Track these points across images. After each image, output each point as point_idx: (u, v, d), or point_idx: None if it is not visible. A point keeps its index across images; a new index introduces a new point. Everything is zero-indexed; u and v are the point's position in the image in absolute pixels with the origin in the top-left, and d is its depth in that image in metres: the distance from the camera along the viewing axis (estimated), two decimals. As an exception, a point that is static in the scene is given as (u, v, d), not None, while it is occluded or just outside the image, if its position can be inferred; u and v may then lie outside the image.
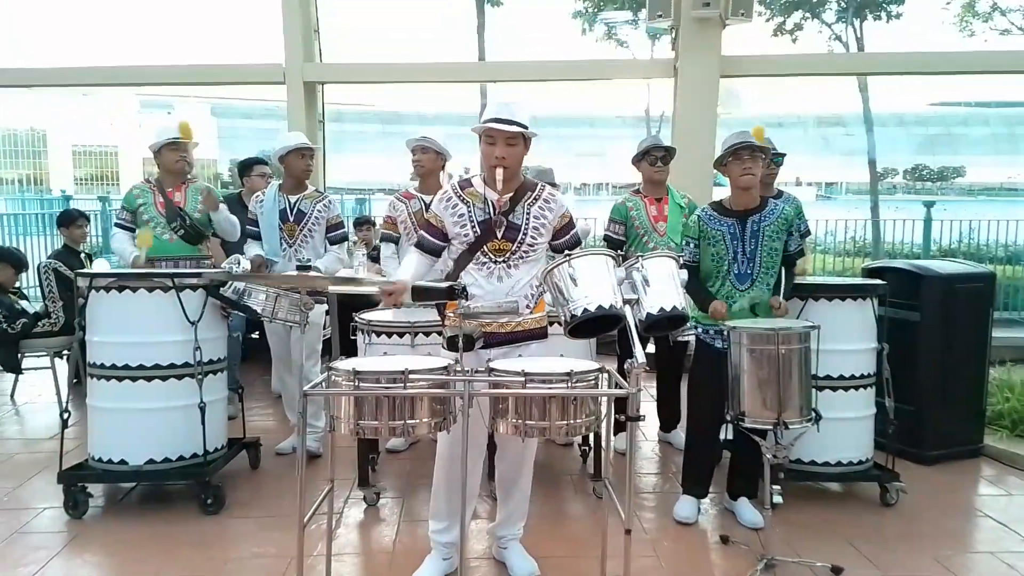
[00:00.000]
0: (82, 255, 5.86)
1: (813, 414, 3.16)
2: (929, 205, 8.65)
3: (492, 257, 2.93)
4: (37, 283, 5.78)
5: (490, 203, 2.94)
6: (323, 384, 2.57)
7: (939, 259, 5.24)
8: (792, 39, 9.52)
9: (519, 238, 2.93)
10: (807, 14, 11.07)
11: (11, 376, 5.74)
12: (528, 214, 2.96)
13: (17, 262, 5.62)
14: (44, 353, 5.53)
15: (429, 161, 4.28)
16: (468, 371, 2.57)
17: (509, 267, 2.93)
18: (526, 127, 2.87)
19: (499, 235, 2.92)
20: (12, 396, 5.82)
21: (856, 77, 10.17)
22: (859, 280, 4.28)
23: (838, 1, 11.14)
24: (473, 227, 2.93)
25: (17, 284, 5.69)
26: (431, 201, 4.23)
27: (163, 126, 4.45)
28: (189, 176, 4.49)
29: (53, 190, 21.36)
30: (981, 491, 4.28)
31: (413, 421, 2.49)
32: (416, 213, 4.20)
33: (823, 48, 10.78)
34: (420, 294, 2.58)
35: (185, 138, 4.34)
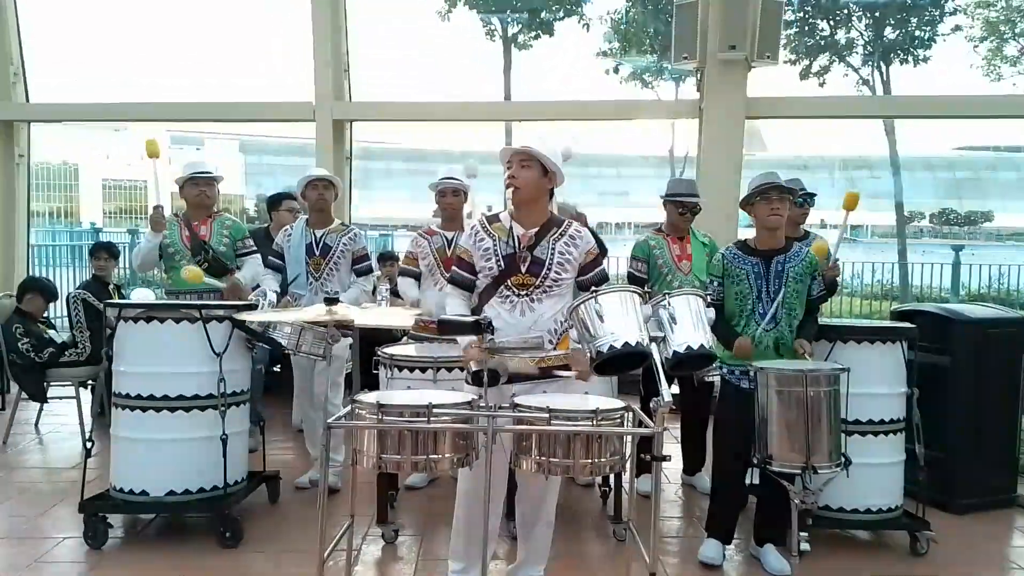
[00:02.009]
0: (110, 287, 5.93)
1: (842, 459, 3.09)
2: (958, 249, 8.57)
3: (515, 291, 2.93)
4: (65, 313, 5.85)
5: (515, 237, 2.95)
6: (346, 417, 2.56)
7: (969, 303, 5.14)
8: (819, 82, 9.55)
9: (543, 272, 2.93)
10: (834, 57, 11.13)
11: (36, 405, 5.78)
12: (553, 249, 2.96)
13: (47, 292, 5.71)
14: (70, 383, 5.57)
15: (460, 203, 4.38)
16: (492, 406, 2.55)
17: (532, 301, 2.93)
18: (540, 153, 2.88)
19: (523, 269, 2.93)
20: (36, 425, 5.86)
21: (883, 120, 10.17)
22: (889, 323, 4.22)
23: (865, 45, 11.20)
24: (498, 261, 2.94)
25: (46, 314, 5.77)
26: (453, 238, 4.31)
27: (188, 161, 4.56)
28: (214, 210, 4.56)
29: (83, 223, 21.79)
30: (1015, 542, 4.14)
31: (436, 456, 2.47)
32: (439, 250, 4.24)
33: (850, 91, 10.80)
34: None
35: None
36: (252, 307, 3.92)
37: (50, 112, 8.82)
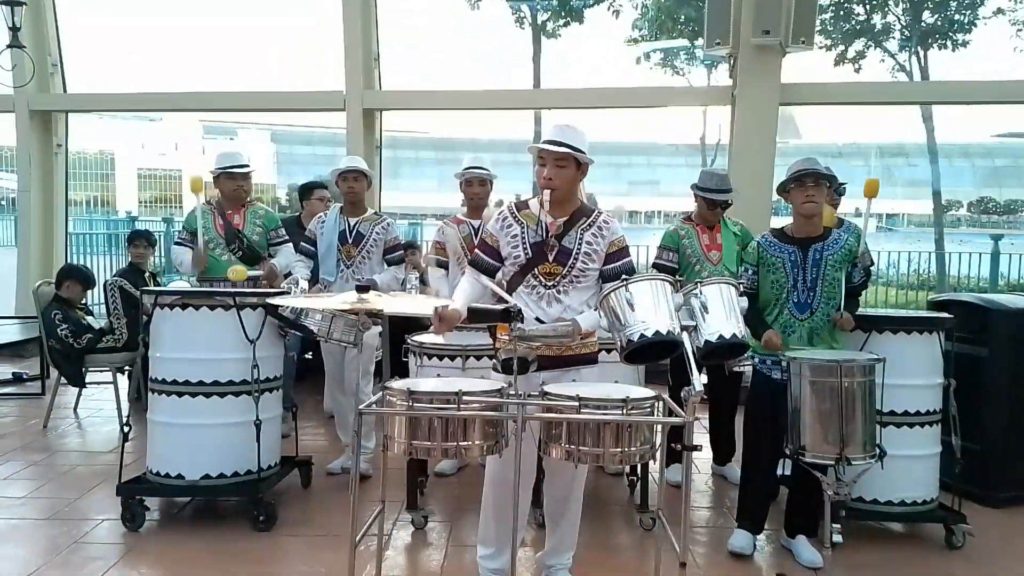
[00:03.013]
0: (146, 274, 6.03)
1: (877, 450, 3.05)
2: (997, 239, 8.37)
3: (543, 281, 2.91)
4: (103, 300, 5.96)
5: (544, 225, 2.93)
6: (377, 404, 2.58)
7: (1012, 294, 5.03)
8: (855, 68, 9.34)
9: (570, 262, 2.91)
10: (870, 42, 10.88)
11: (74, 390, 5.91)
12: (581, 239, 2.94)
13: (85, 279, 5.82)
14: (107, 368, 5.68)
15: (486, 193, 4.37)
16: (522, 394, 2.56)
17: (559, 292, 2.91)
18: (580, 150, 2.86)
19: (550, 258, 2.91)
20: (75, 409, 5.99)
21: (920, 107, 9.95)
22: (925, 313, 4.14)
23: (902, 30, 10.94)
24: (525, 249, 2.93)
25: (84, 300, 5.88)
26: (480, 227, 4.31)
27: (223, 152, 4.60)
28: (248, 199, 4.61)
29: (119, 211, 22.18)
30: (1055, 538, 4.06)
31: (465, 443, 2.48)
32: (466, 239, 4.24)
33: (886, 78, 10.56)
34: (475, 316, 2.58)
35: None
36: (284, 294, 3.96)
37: (87, 102, 8.99)
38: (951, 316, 3.97)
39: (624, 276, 2.79)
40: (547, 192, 2.82)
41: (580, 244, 2.93)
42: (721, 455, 4.75)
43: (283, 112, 11.98)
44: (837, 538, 3.00)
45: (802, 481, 3.43)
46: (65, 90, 8.48)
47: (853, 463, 2.99)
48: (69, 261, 8.51)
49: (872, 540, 3.78)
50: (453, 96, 8.10)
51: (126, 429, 3.92)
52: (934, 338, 3.83)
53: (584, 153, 2.87)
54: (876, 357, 3.13)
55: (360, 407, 2.49)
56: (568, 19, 11.00)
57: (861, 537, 3.70)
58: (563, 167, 2.86)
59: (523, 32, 11.00)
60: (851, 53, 10.71)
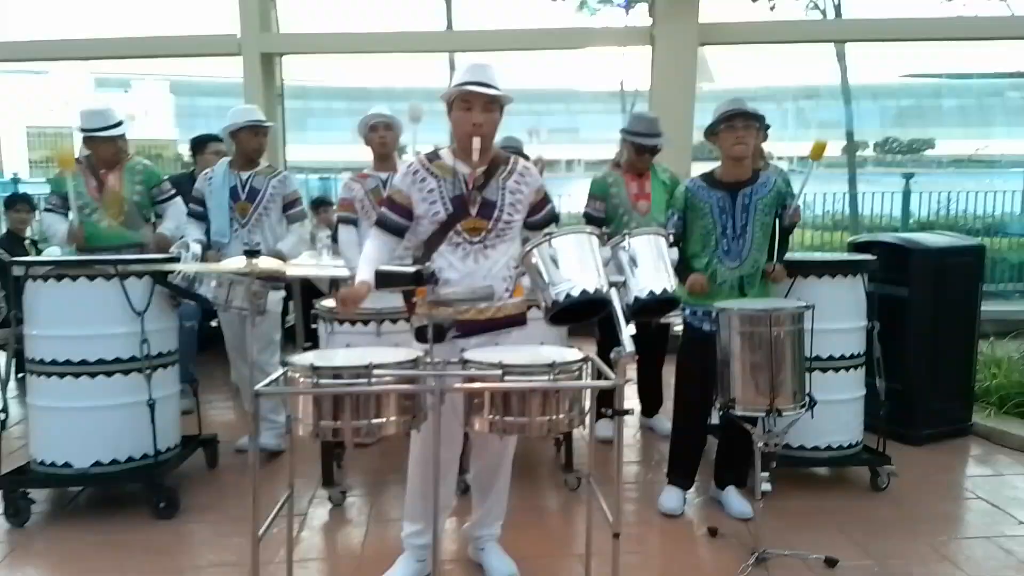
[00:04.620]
0: (26, 242, 5.50)
1: (807, 399, 2.98)
2: (908, 177, 8.54)
3: (467, 237, 2.66)
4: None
5: (461, 177, 2.67)
6: (279, 381, 2.31)
7: (927, 232, 5.07)
8: (770, 7, 9.27)
9: (495, 215, 2.67)
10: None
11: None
12: (504, 188, 2.70)
13: (-45, 249, 5.25)
14: (-15, 346, 5.18)
15: (393, 139, 3.99)
16: (440, 363, 2.33)
17: (485, 247, 2.67)
18: (505, 95, 2.61)
19: (473, 212, 2.66)
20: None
21: (835, 48, 10.00)
22: (850, 256, 4.10)
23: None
24: (444, 204, 2.66)
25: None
26: (388, 179, 3.99)
27: (89, 110, 4.10)
28: (124, 155, 4.15)
29: (6, 173, 20.61)
30: (972, 471, 4.16)
31: (379, 420, 2.24)
32: (373, 191, 3.91)
33: (801, 17, 10.51)
34: (384, 280, 2.32)
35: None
36: (174, 260, 3.59)
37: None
38: (874, 258, 3.93)
39: (548, 227, 2.58)
40: (477, 140, 2.55)
41: (504, 194, 2.69)
42: (648, 407, 4.67)
43: (180, 60, 11.20)
44: (766, 487, 2.95)
45: (730, 432, 3.35)
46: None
47: (784, 414, 2.91)
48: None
49: (800, 486, 3.77)
50: (358, 39, 7.63)
51: (1, 417, 3.52)
52: (858, 281, 3.79)
53: (509, 97, 2.63)
54: (805, 304, 3.03)
55: (257, 387, 2.22)
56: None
57: (789, 484, 3.67)
58: (491, 111, 2.60)
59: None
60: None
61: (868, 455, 3.85)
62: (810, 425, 3.53)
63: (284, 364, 2.32)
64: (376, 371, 2.20)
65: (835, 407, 3.68)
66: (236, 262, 2.51)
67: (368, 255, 2.69)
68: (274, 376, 2.33)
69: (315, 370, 2.20)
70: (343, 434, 2.23)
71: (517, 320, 2.76)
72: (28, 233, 5.67)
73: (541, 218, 2.79)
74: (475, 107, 2.57)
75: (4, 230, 5.72)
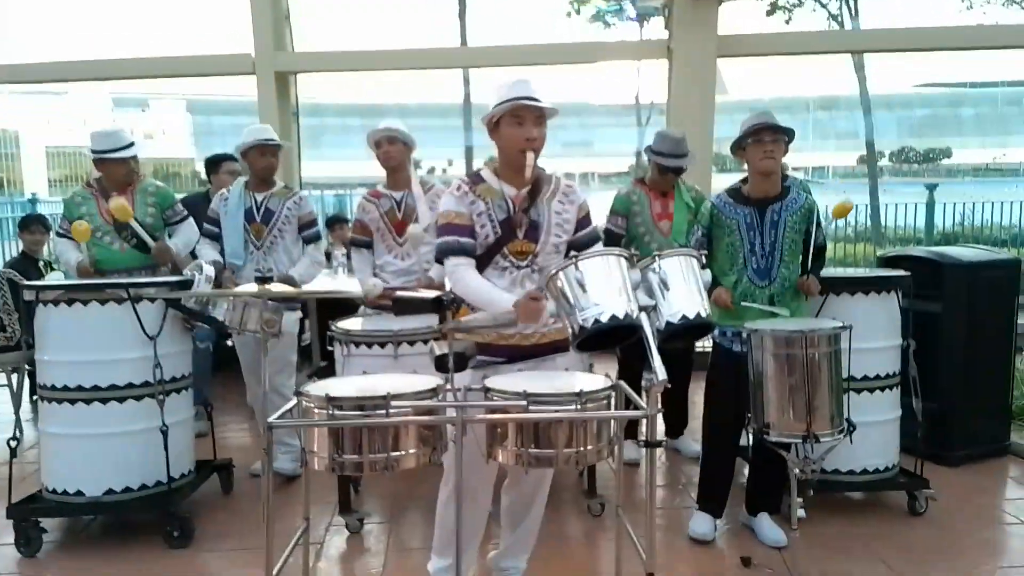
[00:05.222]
0: (40, 263, 5.46)
1: (846, 425, 2.84)
2: (932, 188, 8.36)
3: (514, 261, 2.56)
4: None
5: (507, 199, 2.57)
6: (293, 412, 2.21)
7: (957, 245, 4.92)
8: (786, 19, 9.16)
9: (542, 237, 2.57)
10: (802, -9, 10.72)
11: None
12: (549, 210, 2.59)
13: (-28, 270, 5.21)
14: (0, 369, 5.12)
15: (399, 153, 3.85)
16: (461, 390, 2.22)
17: (533, 271, 2.57)
18: (554, 108, 2.53)
19: (520, 235, 2.56)
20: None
21: (852, 58, 9.88)
22: (883, 272, 3.96)
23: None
24: (494, 227, 2.55)
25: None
26: (402, 198, 3.90)
27: (100, 131, 4.01)
28: (136, 175, 4.09)
29: (26, 192, 20.78)
30: (1012, 494, 3.99)
31: (398, 453, 2.14)
32: (388, 213, 3.81)
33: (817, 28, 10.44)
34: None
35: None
36: (187, 283, 3.51)
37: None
38: (908, 273, 3.79)
39: (573, 252, 2.47)
40: (531, 154, 2.46)
41: (549, 215, 2.59)
42: (673, 428, 4.53)
43: (197, 80, 11.28)
44: (801, 513, 2.81)
45: (765, 457, 3.22)
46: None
47: (821, 440, 2.78)
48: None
49: (835, 511, 3.62)
50: (372, 57, 7.57)
51: (13, 444, 3.44)
52: (892, 297, 3.65)
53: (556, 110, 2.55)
54: (842, 325, 2.90)
55: (270, 419, 2.12)
56: (494, -27, 10.49)
57: (822, 508, 3.53)
58: (542, 125, 2.52)
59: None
60: (783, 2, 10.52)
61: (906, 478, 3.69)
62: (845, 448, 3.37)
63: (298, 394, 2.22)
64: (394, 402, 2.10)
65: (870, 429, 3.52)
66: (248, 288, 2.41)
67: (483, 286, 2.53)
68: (287, 407, 2.24)
69: (330, 401, 2.10)
70: (360, 468, 2.13)
71: (563, 345, 2.59)
72: (44, 254, 5.63)
73: (585, 236, 2.67)
74: (527, 121, 2.49)
75: (19, 251, 5.67)
